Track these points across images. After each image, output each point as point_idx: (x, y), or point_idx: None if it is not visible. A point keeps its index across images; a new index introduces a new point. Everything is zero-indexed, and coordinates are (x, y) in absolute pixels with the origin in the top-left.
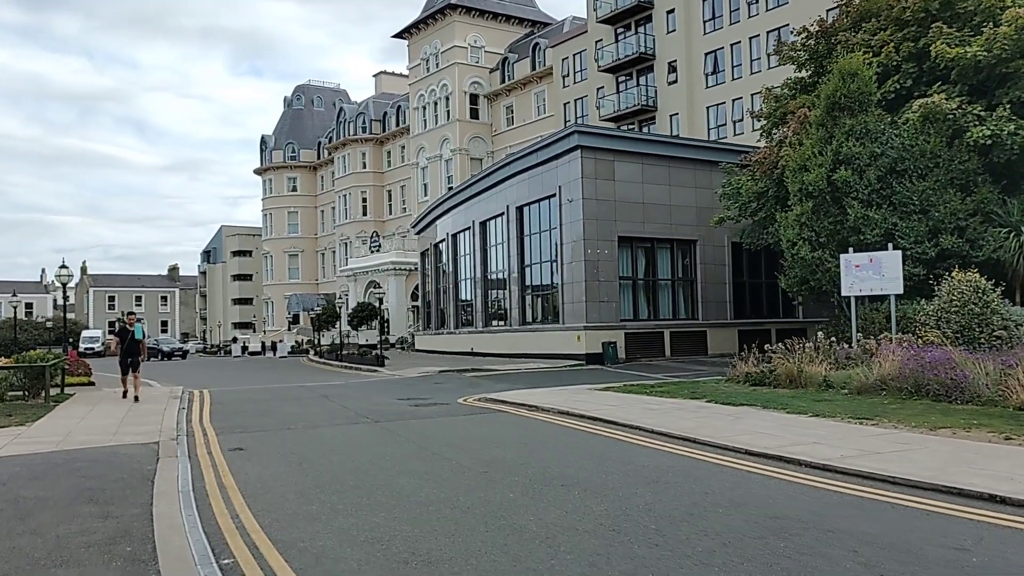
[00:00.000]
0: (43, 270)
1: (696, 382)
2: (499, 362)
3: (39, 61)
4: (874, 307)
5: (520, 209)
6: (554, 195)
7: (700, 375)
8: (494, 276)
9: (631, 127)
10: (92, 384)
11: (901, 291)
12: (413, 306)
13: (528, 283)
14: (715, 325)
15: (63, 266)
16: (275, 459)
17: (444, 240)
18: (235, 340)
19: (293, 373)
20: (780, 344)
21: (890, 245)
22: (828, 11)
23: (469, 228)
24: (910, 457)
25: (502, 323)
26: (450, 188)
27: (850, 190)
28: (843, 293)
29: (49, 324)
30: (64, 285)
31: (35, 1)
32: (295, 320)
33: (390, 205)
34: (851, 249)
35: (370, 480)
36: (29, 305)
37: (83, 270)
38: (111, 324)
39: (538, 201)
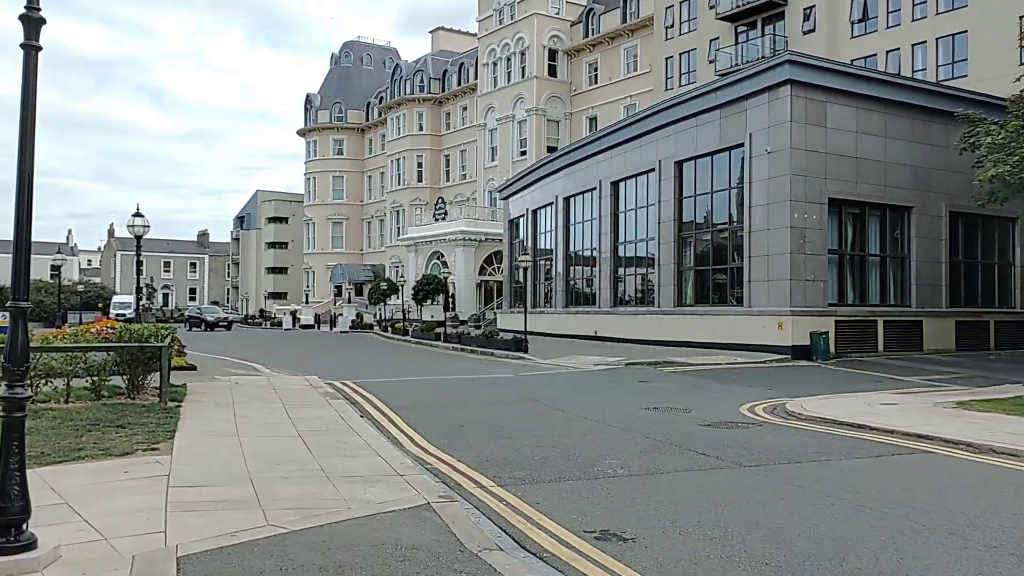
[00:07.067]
0: (69, 231)
1: None
2: (657, 351)
3: (60, 28)
4: None
5: (680, 164)
6: (739, 145)
7: (977, 381)
8: (628, 248)
9: None
10: (194, 368)
11: None
12: (481, 280)
13: (688, 255)
14: (930, 314)
15: (137, 214)
16: None
17: (548, 205)
18: (262, 312)
19: (408, 356)
20: None
21: None
22: None
23: (594, 189)
24: None
25: (643, 304)
26: (522, 153)
27: None
28: None
29: (80, 288)
30: (139, 238)
31: None
32: (338, 291)
33: (448, 171)
34: None
35: None
36: (55, 267)
37: (110, 233)
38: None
39: (710, 154)
